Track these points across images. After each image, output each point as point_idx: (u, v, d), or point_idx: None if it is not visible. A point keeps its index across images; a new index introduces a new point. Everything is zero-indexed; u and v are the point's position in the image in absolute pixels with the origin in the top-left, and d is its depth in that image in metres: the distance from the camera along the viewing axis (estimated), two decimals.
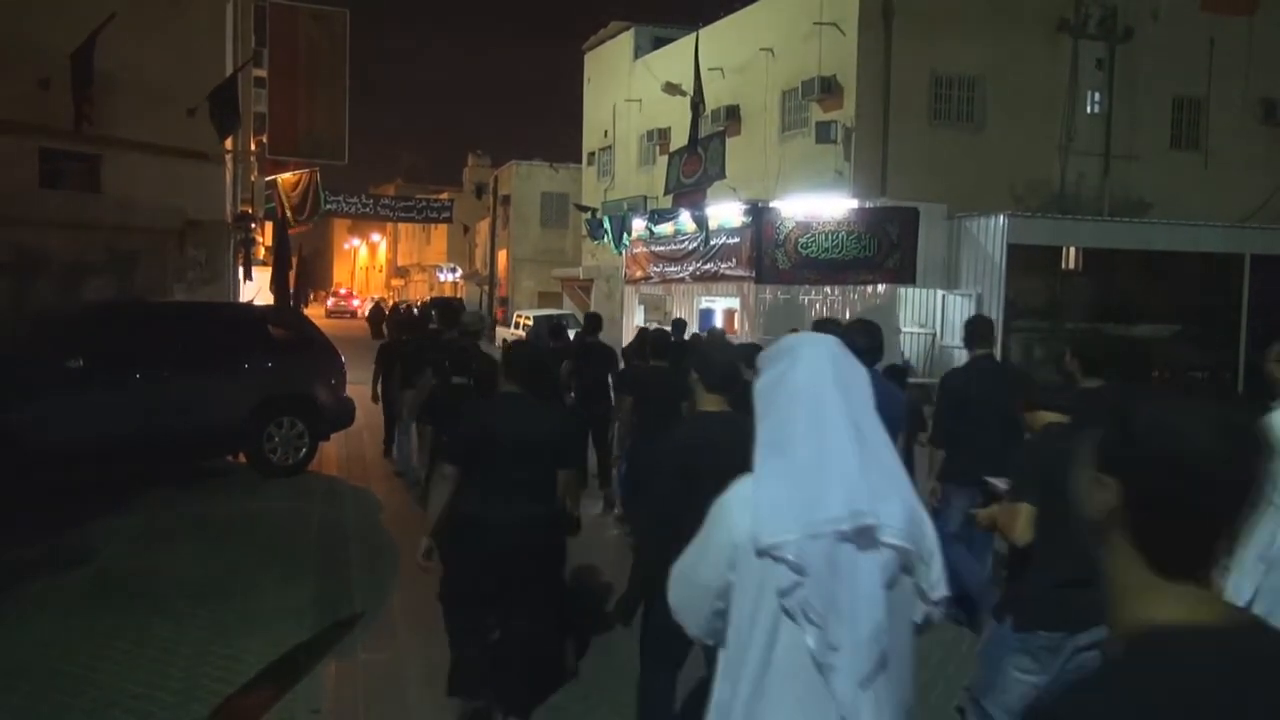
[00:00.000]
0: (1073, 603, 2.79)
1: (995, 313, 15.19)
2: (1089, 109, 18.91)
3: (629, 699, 3.40)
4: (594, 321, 8.93)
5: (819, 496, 1.50)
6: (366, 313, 37.91)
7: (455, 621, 4.01)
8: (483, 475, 3.77)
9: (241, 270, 16.72)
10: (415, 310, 15.46)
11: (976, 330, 5.07)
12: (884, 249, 15.81)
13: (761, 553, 1.62)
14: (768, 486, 1.64)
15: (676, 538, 1.85)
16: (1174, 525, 1.05)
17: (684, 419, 2.50)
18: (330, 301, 57.44)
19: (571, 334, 10.90)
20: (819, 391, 1.48)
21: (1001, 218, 15.37)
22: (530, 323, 21.45)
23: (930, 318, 15.87)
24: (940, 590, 1.73)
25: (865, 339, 3.86)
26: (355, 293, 69.53)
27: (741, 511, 1.67)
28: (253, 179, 19.96)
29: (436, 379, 6.95)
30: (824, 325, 4.51)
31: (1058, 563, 2.82)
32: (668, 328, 8.77)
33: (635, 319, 21.81)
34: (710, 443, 2.25)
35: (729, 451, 1.86)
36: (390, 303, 40.08)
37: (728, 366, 2.76)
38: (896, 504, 1.59)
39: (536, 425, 3.84)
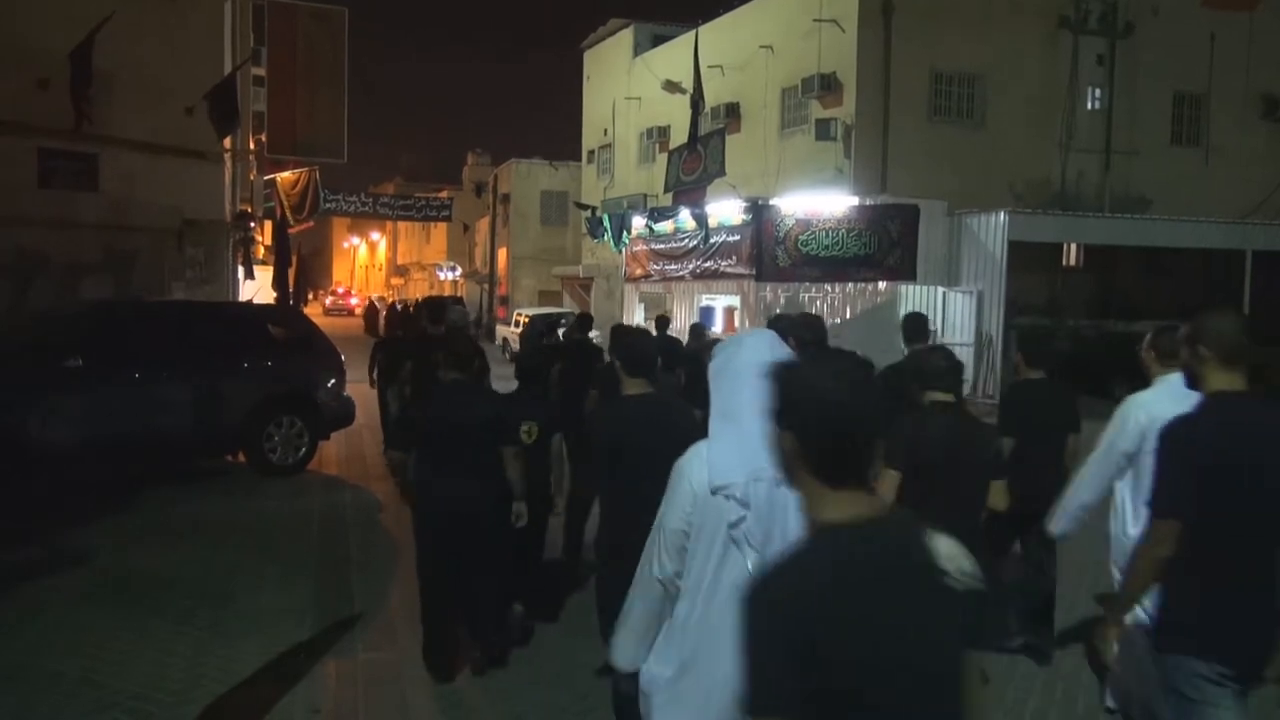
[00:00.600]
0: None
1: (996, 310, 15.20)
2: (1089, 105, 18.90)
3: None
4: (583, 321, 9.12)
5: (759, 450, 1.76)
6: (362, 311, 37.89)
7: (424, 598, 4.60)
8: (429, 456, 4.39)
9: (241, 269, 16.72)
10: (411, 308, 15.66)
11: (914, 326, 5.56)
12: (884, 246, 15.80)
13: (715, 491, 2.06)
14: (719, 444, 2.09)
15: (611, 504, 2.34)
16: (828, 449, 1.47)
17: (614, 400, 2.87)
18: (329, 300, 57.46)
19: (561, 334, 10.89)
20: (759, 372, 1.70)
21: (1002, 214, 15.36)
22: (528, 321, 21.49)
23: (931, 315, 15.85)
24: None
25: (810, 332, 4.41)
26: (354, 291, 69.52)
27: (699, 465, 2.12)
28: (251, 178, 19.95)
29: (417, 374, 7.43)
30: (777, 321, 5.18)
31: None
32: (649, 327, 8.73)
33: (636, 317, 21.80)
34: (634, 421, 2.60)
35: (650, 428, 2.34)
36: (388, 301, 40.09)
37: (644, 353, 3.16)
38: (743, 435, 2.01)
39: (470, 409, 4.42)
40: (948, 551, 1.46)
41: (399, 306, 20.72)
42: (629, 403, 3.35)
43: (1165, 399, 3.27)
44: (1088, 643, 2.88)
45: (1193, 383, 2.68)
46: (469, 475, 4.37)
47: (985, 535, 4.76)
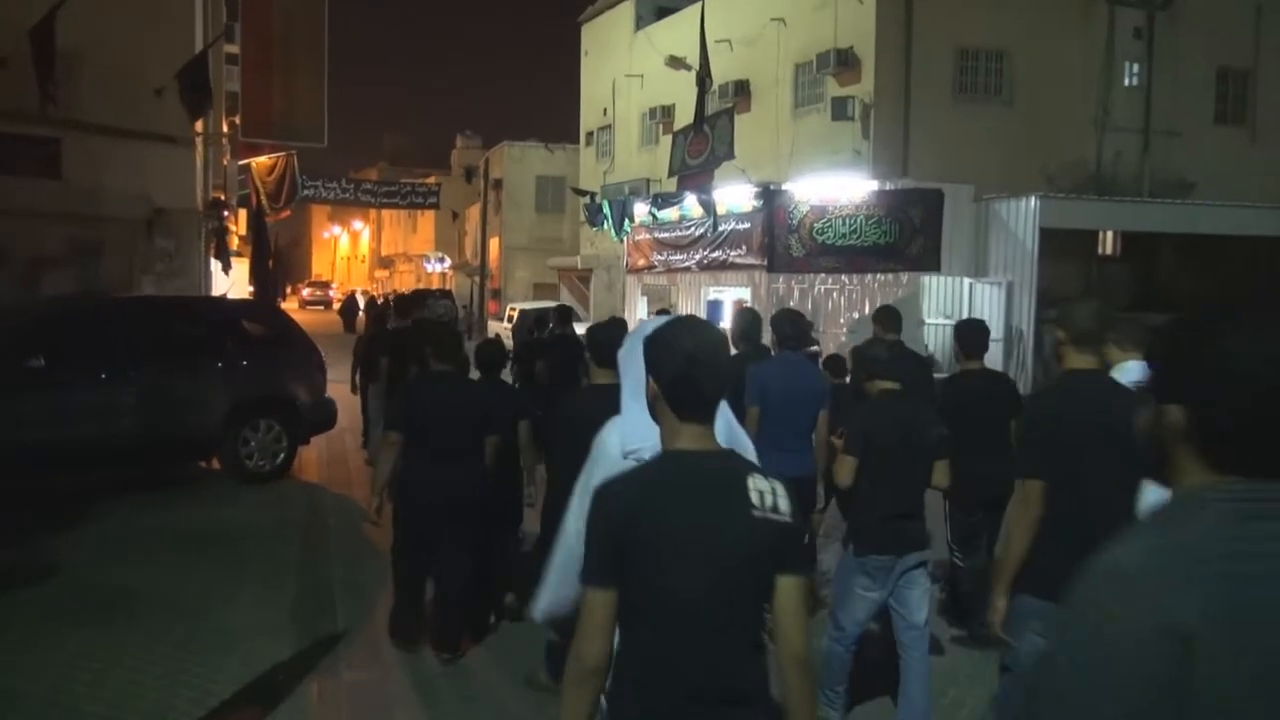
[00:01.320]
0: (897, 531, 3.96)
1: (1026, 302, 15.19)
2: (1126, 82, 18.87)
3: None
4: (564, 314, 9.61)
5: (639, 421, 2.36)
6: (339, 306, 37.89)
7: (398, 570, 5.17)
8: (417, 442, 4.89)
9: (214, 262, 16.78)
10: (390, 303, 15.82)
11: (887, 317, 6.39)
12: (906, 234, 15.80)
13: (626, 455, 2.52)
14: (631, 416, 2.55)
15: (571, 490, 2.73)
16: (680, 391, 2.01)
17: (578, 390, 3.26)
18: (306, 291, 57.46)
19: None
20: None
21: (1033, 200, 15.35)
22: (517, 315, 21.55)
23: (956, 308, 15.85)
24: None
25: (790, 327, 5.19)
26: (335, 282, 69.50)
27: (616, 434, 2.65)
28: (225, 164, 20.01)
29: (393, 369, 8.36)
30: (743, 314, 6.20)
31: (880, 501, 3.96)
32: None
33: (638, 311, 21.83)
34: (599, 410, 2.91)
35: (609, 416, 2.68)
36: (367, 295, 40.14)
37: (610, 343, 3.42)
38: (723, 426, 2.26)
39: (458, 398, 5.00)
40: (762, 488, 1.95)
41: (379, 301, 20.89)
42: (591, 392, 3.76)
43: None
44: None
45: (1056, 361, 3.43)
46: (456, 463, 4.92)
47: (949, 520, 5.50)
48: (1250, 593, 1.15)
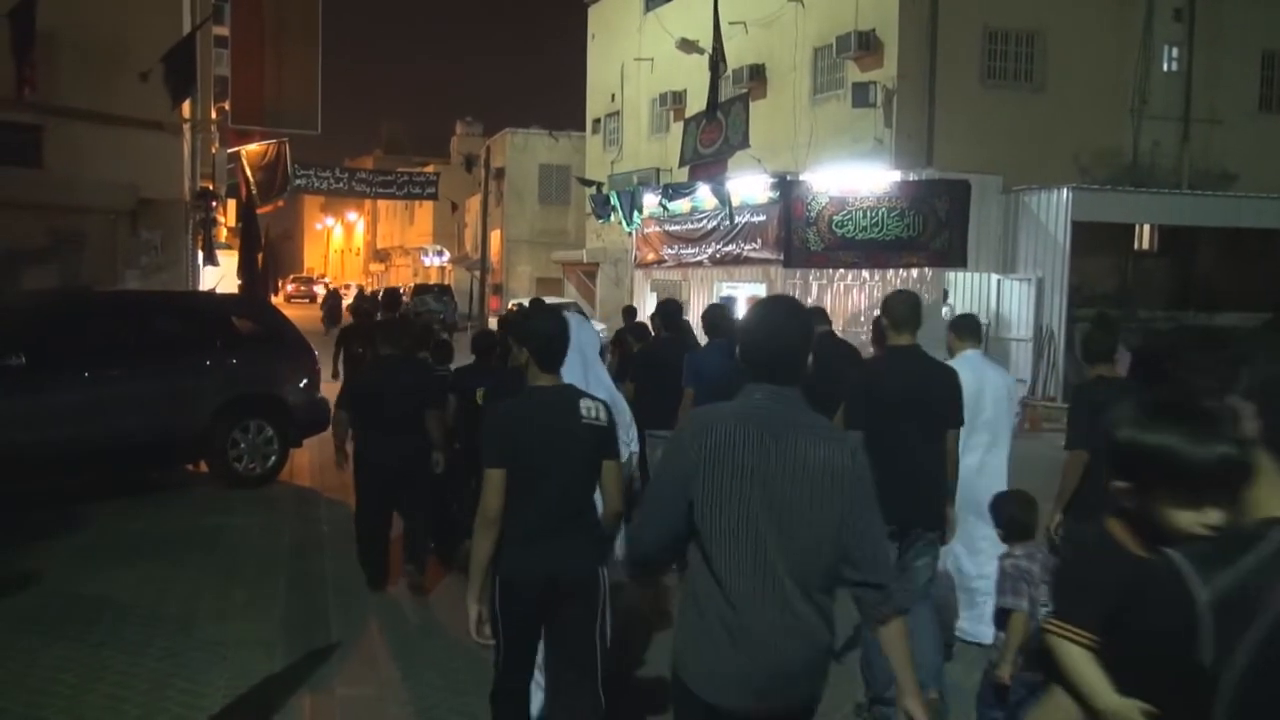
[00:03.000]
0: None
1: (1058, 299, 15.14)
2: (1165, 66, 18.77)
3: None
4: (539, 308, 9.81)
5: (592, 389, 3.71)
6: (322, 302, 37.80)
7: (357, 528, 6.53)
8: (371, 416, 6.23)
9: (202, 255, 16.81)
10: (378, 296, 16.81)
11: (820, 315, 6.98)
12: (930, 227, 15.77)
13: None
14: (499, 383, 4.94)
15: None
16: (540, 353, 3.45)
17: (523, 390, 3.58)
18: (290, 285, 57.46)
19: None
20: (578, 344, 3.82)
21: (1065, 191, 15.29)
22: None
23: (983, 305, 15.82)
24: (630, 446, 4.56)
25: (721, 320, 6.65)
26: (324, 276, 69.52)
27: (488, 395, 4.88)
28: (214, 151, 20.06)
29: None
30: (667, 304, 7.86)
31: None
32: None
33: (648, 308, 21.83)
34: (537, 413, 3.42)
35: (559, 416, 3.41)
36: (353, 289, 40.23)
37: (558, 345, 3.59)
38: (603, 393, 3.84)
39: (397, 378, 6.24)
40: (589, 406, 3.37)
41: (367, 293, 21.26)
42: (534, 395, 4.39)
43: (965, 368, 4.99)
44: None
45: (879, 340, 5.19)
46: (400, 433, 6.16)
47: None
48: None
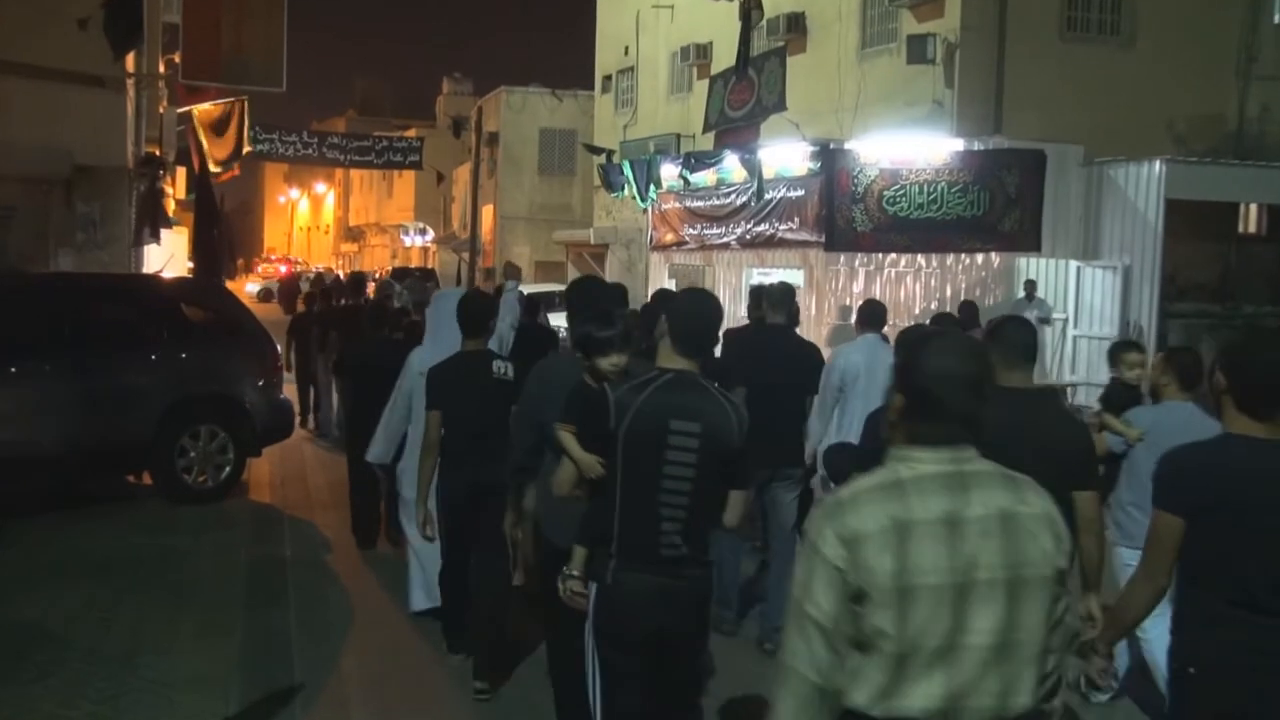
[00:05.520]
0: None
1: (1148, 291, 15.09)
2: (1277, 18, 18.68)
3: None
4: (529, 304, 10.12)
5: (447, 351, 5.69)
6: (280, 288, 38.00)
7: (354, 495, 8.34)
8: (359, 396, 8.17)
9: (147, 231, 16.91)
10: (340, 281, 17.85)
11: (754, 300, 7.89)
12: (999, 206, 15.73)
13: (420, 372, 5.85)
14: (426, 349, 6.28)
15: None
16: (463, 323, 5.69)
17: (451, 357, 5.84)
18: (259, 267, 57.65)
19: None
20: (453, 311, 5.68)
21: (1157, 164, 15.23)
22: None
23: (1060, 297, 15.78)
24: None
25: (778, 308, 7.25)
26: (288, 256, 69.64)
27: (415, 359, 6.29)
28: (161, 111, 20.16)
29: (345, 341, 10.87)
30: (614, 288, 8.35)
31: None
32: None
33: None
34: (464, 371, 5.61)
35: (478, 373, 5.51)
36: (328, 272, 40.41)
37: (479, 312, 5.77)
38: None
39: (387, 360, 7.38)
40: (499, 365, 5.49)
41: (329, 279, 21.61)
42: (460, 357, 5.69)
43: (858, 351, 6.79)
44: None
45: (756, 322, 7.11)
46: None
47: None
48: None
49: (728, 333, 6.60)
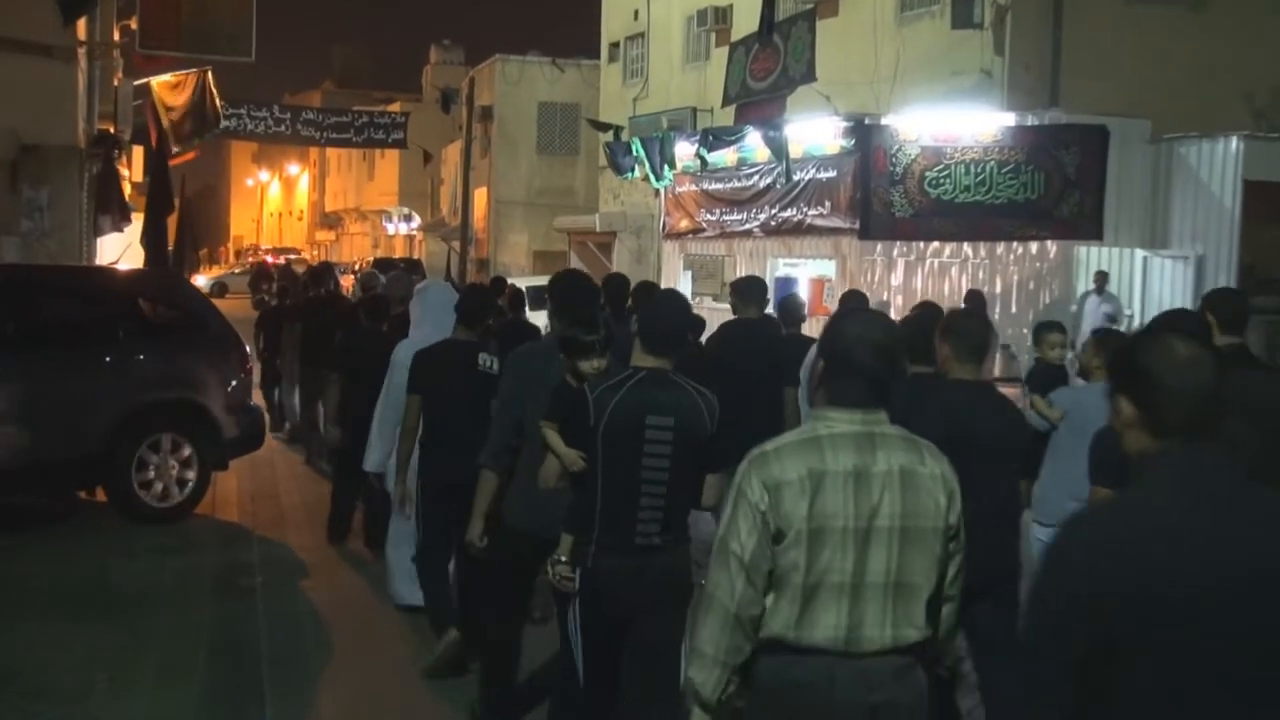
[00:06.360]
0: None
1: (1224, 282, 15.00)
2: None
3: None
4: (514, 297, 10.63)
5: (432, 337, 6.58)
6: (250, 278, 38.18)
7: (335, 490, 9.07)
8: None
9: (100, 218, 16.93)
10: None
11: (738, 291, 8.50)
12: (1055, 188, 15.68)
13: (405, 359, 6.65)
14: (410, 340, 6.96)
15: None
16: (461, 313, 6.64)
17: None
18: (248, 262, 57.69)
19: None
20: (439, 302, 7.00)
21: (1234, 141, 15.19)
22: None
23: (1124, 291, 15.73)
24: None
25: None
26: (257, 245, 69.67)
27: (403, 351, 6.85)
28: (116, 84, 20.18)
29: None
30: (614, 280, 9.51)
31: None
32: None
33: (680, 289, 21.81)
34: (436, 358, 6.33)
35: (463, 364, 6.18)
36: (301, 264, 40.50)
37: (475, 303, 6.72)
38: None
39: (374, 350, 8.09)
40: (485, 358, 6.03)
41: (292, 269, 21.98)
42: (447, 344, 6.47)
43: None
44: None
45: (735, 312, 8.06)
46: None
47: None
48: None
49: (720, 327, 8.28)
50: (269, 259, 54.13)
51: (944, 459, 3.12)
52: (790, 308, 8.47)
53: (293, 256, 59.59)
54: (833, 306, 17.45)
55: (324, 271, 14.22)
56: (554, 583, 4.30)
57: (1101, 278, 15.21)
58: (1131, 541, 2.19)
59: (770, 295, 8.87)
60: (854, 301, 8.16)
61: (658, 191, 21.79)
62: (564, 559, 4.20)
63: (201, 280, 45.75)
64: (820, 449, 2.98)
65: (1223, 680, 2.15)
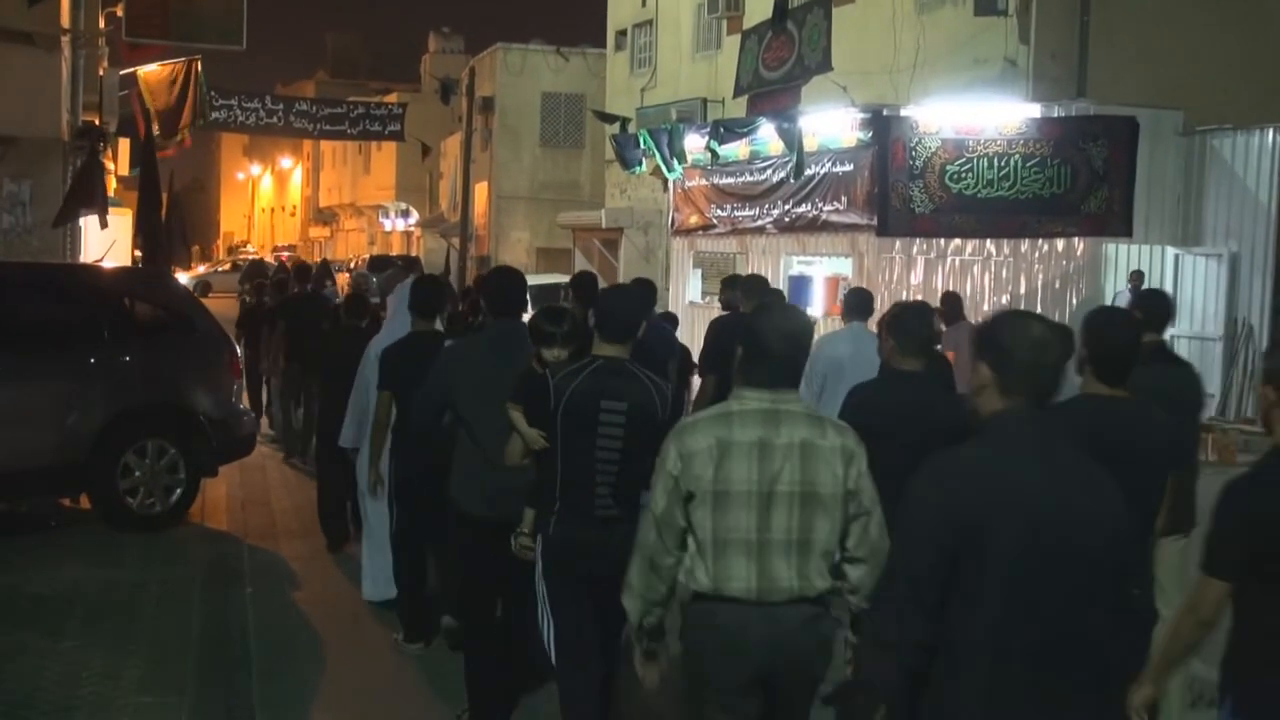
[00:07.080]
0: None
1: (1260, 283, 15.00)
2: None
3: None
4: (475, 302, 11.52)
5: (397, 332, 7.09)
6: (241, 275, 38.31)
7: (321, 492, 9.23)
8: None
9: (85, 213, 16.96)
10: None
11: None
12: (1083, 182, 15.64)
13: (374, 356, 7.11)
14: (386, 336, 7.28)
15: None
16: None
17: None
18: (239, 258, 57.70)
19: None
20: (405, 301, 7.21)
21: (1270, 133, 15.13)
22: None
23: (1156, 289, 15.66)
24: None
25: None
26: (246, 243, 69.71)
27: (377, 348, 7.10)
28: (101, 74, 20.23)
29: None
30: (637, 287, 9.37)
31: None
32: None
33: (687, 290, 21.81)
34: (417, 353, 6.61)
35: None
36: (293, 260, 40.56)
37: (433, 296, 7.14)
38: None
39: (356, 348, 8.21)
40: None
41: (280, 265, 22.16)
42: (412, 338, 6.88)
43: (843, 342, 7.71)
44: None
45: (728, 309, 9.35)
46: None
47: None
48: None
49: (713, 322, 9.06)
50: (280, 255, 54.24)
51: (849, 432, 3.81)
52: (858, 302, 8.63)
53: (287, 253, 59.65)
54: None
55: (309, 269, 14.64)
56: (517, 552, 4.91)
57: (1138, 277, 15.13)
58: (971, 477, 3.02)
59: (784, 295, 9.38)
60: (857, 299, 8.40)
61: (666, 186, 21.76)
62: (526, 530, 4.82)
63: (183, 278, 45.78)
64: (730, 423, 3.68)
65: (1033, 583, 2.94)
